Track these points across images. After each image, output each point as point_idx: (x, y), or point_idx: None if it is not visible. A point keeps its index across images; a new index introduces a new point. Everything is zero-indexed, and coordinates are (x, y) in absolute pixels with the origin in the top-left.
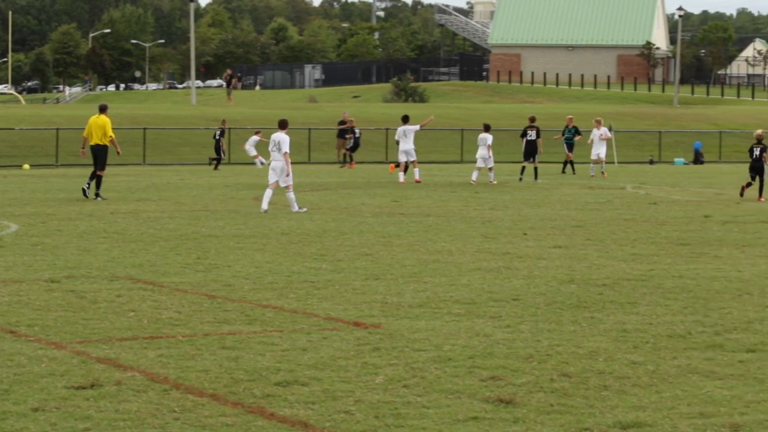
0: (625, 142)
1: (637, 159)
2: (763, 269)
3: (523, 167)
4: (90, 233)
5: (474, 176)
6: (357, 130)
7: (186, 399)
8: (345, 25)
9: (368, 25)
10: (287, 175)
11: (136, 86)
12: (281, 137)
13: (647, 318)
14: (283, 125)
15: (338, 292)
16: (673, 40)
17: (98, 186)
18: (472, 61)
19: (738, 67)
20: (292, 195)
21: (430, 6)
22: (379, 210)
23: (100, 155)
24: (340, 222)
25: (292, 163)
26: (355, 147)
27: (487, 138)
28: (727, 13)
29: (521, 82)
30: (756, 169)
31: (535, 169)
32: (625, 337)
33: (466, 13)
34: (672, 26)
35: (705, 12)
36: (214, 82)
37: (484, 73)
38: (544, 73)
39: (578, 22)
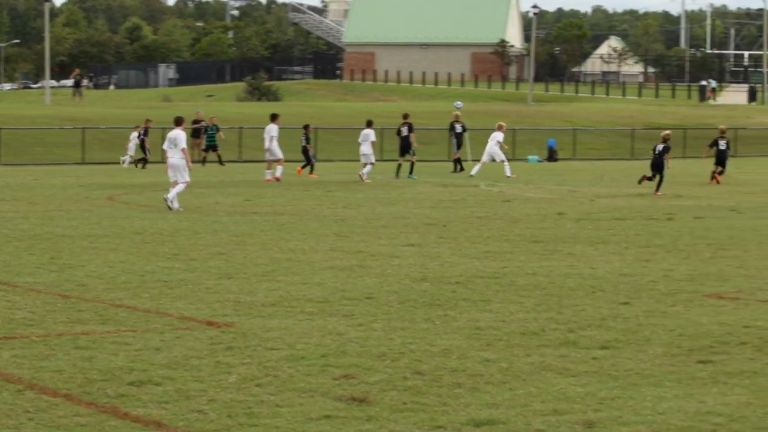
0: (480, 140)
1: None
2: (616, 266)
3: (399, 164)
4: None
5: (365, 171)
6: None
7: (40, 399)
8: (199, 24)
9: (222, 24)
10: (185, 171)
11: None
12: (177, 134)
13: (500, 315)
14: (178, 122)
15: (191, 291)
16: (527, 38)
17: None
18: (325, 60)
19: (593, 65)
20: (180, 189)
21: (284, 5)
22: (233, 209)
23: None
24: (193, 221)
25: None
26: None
27: (370, 134)
28: (582, 11)
29: (375, 80)
30: (656, 166)
31: (412, 164)
32: (479, 334)
33: (321, 11)
34: (527, 24)
35: (560, 10)
36: (69, 82)
37: (338, 72)
38: (398, 72)
39: (432, 20)
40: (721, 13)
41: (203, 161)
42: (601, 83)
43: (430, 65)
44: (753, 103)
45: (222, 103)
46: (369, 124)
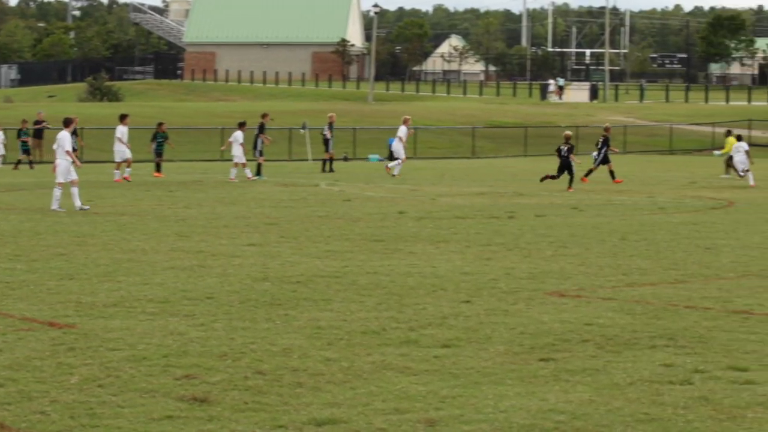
0: (320, 139)
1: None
2: (457, 264)
3: (259, 164)
4: None
5: (246, 173)
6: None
7: None
8: (41, 24)
9: (64, 24)
10: (71, 172)
11: None
12: (61, 136)
13: (341, 315)
14: (66, 124)
15: (33, 292)
16: (368, 37)
17: None
18: (167, 60)
19: (434, 64)
20: (75, 190)
21: (126, 5)
22: (74, 210)
23: None
24: (35, 222)
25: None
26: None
27: (238, 136)
28: (423, 10)
29: (216, 80)
30: (564, 167)
31: (258, 165)
32: (320, 334)
33: (162, 11)
34: (367, 23)
35: (401, 9)
36: None
37: (179, 72)
38: (239, 71)
39: (273, 20)
40: (562, 11)
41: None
42: (442, 82)
43: (271, 65)
44: (595, 101)
45: (64, 103)
46: (241, 126)
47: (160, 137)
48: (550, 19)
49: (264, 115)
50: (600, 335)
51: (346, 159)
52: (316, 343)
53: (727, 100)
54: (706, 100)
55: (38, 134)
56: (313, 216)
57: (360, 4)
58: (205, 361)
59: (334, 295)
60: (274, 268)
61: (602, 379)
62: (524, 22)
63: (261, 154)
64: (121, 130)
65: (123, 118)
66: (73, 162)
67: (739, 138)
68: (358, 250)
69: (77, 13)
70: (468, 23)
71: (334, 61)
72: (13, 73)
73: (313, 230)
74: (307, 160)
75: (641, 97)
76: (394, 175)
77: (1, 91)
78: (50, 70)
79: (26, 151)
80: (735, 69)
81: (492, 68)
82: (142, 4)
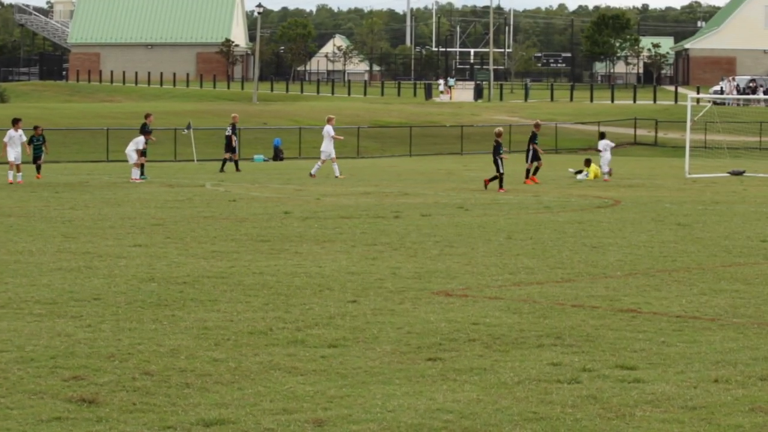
0: (205, 140)
1: (216, 156)
2: (343, 264)
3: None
4: None
5: (134, 174)
6: None
7: None
8: None
9: None
10: None
11: None
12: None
13: (228, 315)
14: (13, 123)
15: None
16: (252, 37)
17: None
18: (51, 61)
19: (318, 64)
20: None
21: (10, 6)
22: None
23: None
24: None
25: None
26: None
27: (138, 140)
28: (307, 10)
29: (101, 81)
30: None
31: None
32: (207, 334)
33: (46, 12)
34: (251, 23)
35: (285, 9)
36: None
37: (64, 73)
38: (124, 72)
39: (157, 20)
40: (446, 11)
41: None
42: (327, 82)
43: (156, 65)
44: (479, 101)
45: None
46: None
47: (36, 140)
48: (434, 19)
49: (147, 116)
50: (487, 334)
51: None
52: (204, 344)
53: (613, 99)
54: (592, 99)
55: None
56: (199, 216)
57: (244, 4)
58: (93, 362)
59: (221, 296)
60: (160, 269)
61: (490, 378)
62: (408, 22)
63: (144, 154)
64: (10, 135)
65: (15, 122)
66: None
67: (602, 136)
68: (244, 250)
69: None
70: (352, 23)
71: (219, 61)
72: None
73: (199, 231)
74: (192, 160)
75: (526, 97)
76: (337, 176)
77: None
78: None
79: None
80: (620, 68)
81: (376, 68)
82: (27, 6)
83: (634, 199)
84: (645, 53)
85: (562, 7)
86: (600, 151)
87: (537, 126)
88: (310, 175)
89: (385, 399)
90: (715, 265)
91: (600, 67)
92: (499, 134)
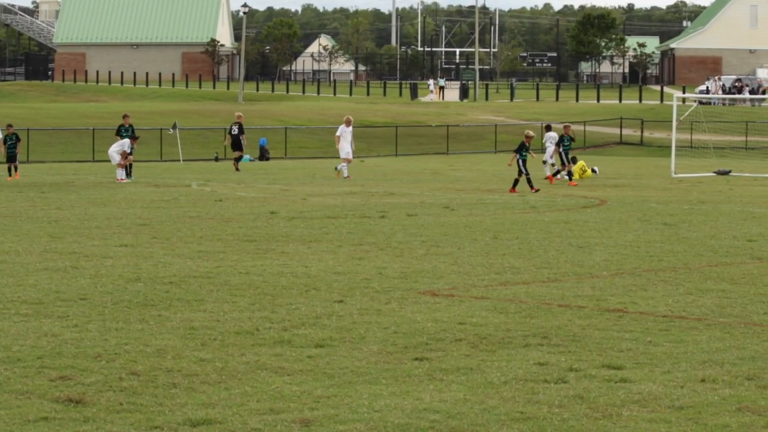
0: (191, 140)
1: (202, 156)
2: (330, 264)
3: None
4: None
5: (119, 175)
6: None
7: None
8: None
9: None
10: None
11: None
12: None
13: (215, 315)
14: None
15: None
16: (237, 37)
17: None
18: (37, 61)
19: (303, 63)
20: None
21: None
22: None
23: None
24: None
25: None
26: None
27: (123, 143)
28: (293, 10)
29: (87, 81)
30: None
31: (130, 165)
32: (193, 334)
33: (32, 12)
34: (237, 23)
35: (270, 8)
36: None
37: (50, 73)
38: (109, 72)
39: (143, 20)
40: (432, 10)
41: None
42: (312, 82)
43: (141, 65)
44: (465, 101)
45: None
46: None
47: (9, 139)
48: (419, 19)
49: (125, 116)
50: (474, 334)
51: (216, 159)
52: (190, 344)
53: (598, 98)
54: (577, 98)
55: None
56: (185, 216)
57: (229, 4)
58: (80, 363)
59: (207, 296)
60: (146, 269)
61: (477, 378)
62: (393, 22)
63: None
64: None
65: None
66: None
67: (548, 128)
68: (230, 250)
69: None
70: (337, 23)
71: (204, 61)
72: None
73: (185, 231)
74: (178, 160)
75: (512, 96)
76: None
77: None
78: None
79: None
80: (605, 68)
81: (362, 68)
82: (12, 5)
83: (620, 198)
84: (630, 53)
85: (547, 6)
86: (546, 144)
87: (566, 128)
88: (344, 177)
89: (371, 399)
90: (702, 264)
91: (585, 67)
92: (528, 137)
